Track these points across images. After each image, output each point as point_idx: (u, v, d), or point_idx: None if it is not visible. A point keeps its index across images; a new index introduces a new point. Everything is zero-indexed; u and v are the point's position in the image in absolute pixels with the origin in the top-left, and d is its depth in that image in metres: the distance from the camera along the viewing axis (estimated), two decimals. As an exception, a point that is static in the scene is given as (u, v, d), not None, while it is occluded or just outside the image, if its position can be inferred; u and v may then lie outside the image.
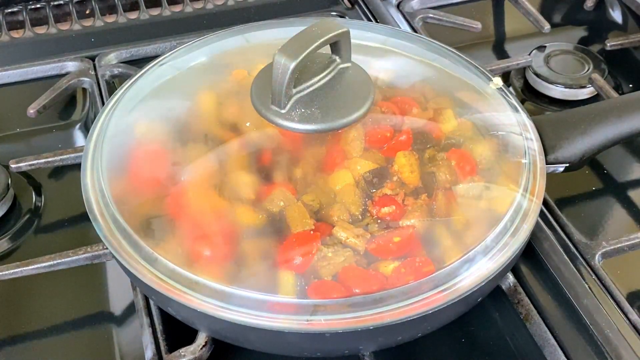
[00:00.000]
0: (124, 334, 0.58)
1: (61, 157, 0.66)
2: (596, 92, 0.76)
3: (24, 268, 0.57)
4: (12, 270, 0.57)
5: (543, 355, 0.55)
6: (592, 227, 0.64)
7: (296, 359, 0.56)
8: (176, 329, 0.54)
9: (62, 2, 0.86)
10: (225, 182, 0.55)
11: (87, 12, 0.86)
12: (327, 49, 0.56)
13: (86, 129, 0.75)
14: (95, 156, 0.57)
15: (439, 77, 0.65)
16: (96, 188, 0.55)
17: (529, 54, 0.79)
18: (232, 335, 0.52)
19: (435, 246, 0.52)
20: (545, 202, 0.63)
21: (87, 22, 0.84)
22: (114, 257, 0.53)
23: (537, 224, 0.58)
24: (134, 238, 0.52)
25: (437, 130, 0.58)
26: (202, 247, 0.52)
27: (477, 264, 0.51)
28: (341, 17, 0.85)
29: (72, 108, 0.77)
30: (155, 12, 0.86)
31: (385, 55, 0.66)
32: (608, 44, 0.81)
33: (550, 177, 0.58)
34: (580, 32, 0.89)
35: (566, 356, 0.54)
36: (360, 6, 0.86)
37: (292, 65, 0.52)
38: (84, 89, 0.77)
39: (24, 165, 0.66)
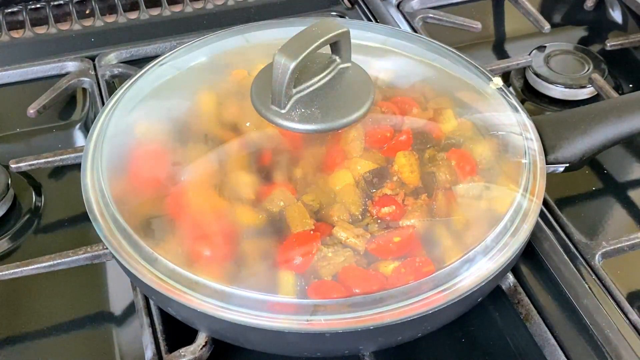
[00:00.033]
0: (124, 334, 0.58)
1: (61, 157, 0.66)
2: (596, 92, 0.76)
3: (24, 268, 0.57)
4: (12, 270, 0.57)
5: (543, 355, 0.55)
6: (592, 227, 0.64)
7: (296, 359, 0.56)
8: (176, 329, 0.54)
9: (62, 2, 0.86)
10: (225, 182, 0.55)
11: (87, 12, 0.86)
12: (327, 49, 0.56)
13: (86, 129, 0.75)
14: (95, 156, 0.57)
15: (439, 77, 0.65)
16: (96, 188, 0.55)
17: (529, 54, 0.79)
18: (232, 335, 0.52)
19: (435, 246, 0.52)
20: (545, 202, 0.63)
21: (87, 22, 0.84)
22: (114, 257, 0.53)
23: (537, 224, 0.58)
24: (134, 238, 0.52)
25: (437, 130, 0.58)
26: (202, 247, 0.52)
27: (477, 264, 0.51)
28: (341, 17, 0.85)
29: (72, 108, 0.77)
30: (155, 12, 0.86)
31: (385, 55, 0.66)
32: (608, 44, 0.81)
33: (550, 177, 0.58)
34: (580, 32, 0.89)
35: (566, 356, 0.54)
36: (360, 6, 0.86)
37: (292, 65, 0.52)
38: (84, 89, 0.77)
39: (24, 165, 0.66)
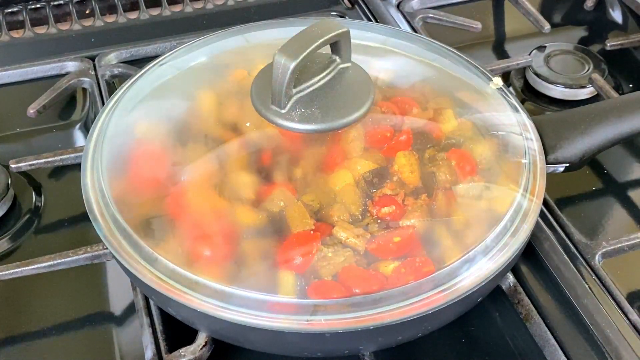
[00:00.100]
0: (124, 334, 0.58)
1: (61, 157, 0.66)
2: (596, 92, 0.76)
3: (24, 268, 0.57)
4: (12, 270, 0.57)
5: (543, 355, 0.55)
6: (592, 227, 0.64)
7: (296, 359, 0.56)
8: (176, 329, 0.54)
9: (62, 2, 0.86)
10: (225, 182, 0.55)
11: (87, 12, 0.86)
12: (327, 49, 0.56)
13: (86, 129, 0.75)
14: (95, 156, 0.57)
15: (439, 77, 0.65)
16: (96, 188, 0.55)
17: (529, 54, 0.79)
18: (232, 335, 0.52)
19: (435, 246, 0.52)
20: (545, 202, 0.63)
21: (87, 22, 0.84)
22: (114, 257, 0.53)
23: (537, 224, 0.58)
24: (134, 238, 0.52)
25: (437, 130, 0.58)
26: (202, 247, 0.52)
27: (477, 264, 0.51)
28: (341, 17, 0.85)
29: (72, 108, 0.77)
30: (155, 12, 0.86)
31: (385, 55, 0.66)
32: (608, 44, 0.81)
33: (550, 177, 0.58)
34: (580, 32, 0.89)
35: (566, 356, 0.54)
36: (360, 6, 0.86)
37: (292, 65, 0.52)
38: (84, 89, 0.77)
39: (24, 165, 0.66)
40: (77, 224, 0.65)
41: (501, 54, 0.86)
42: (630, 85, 0.80)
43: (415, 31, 0.82)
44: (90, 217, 0.54)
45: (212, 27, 0.81)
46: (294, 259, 0.50)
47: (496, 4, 0.91)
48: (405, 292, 0.49)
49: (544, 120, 0.61)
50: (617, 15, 0.89)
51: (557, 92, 0.77)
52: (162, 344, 0.54)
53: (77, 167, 0.59)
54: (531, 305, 0.57)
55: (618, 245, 0.61)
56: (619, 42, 0.82)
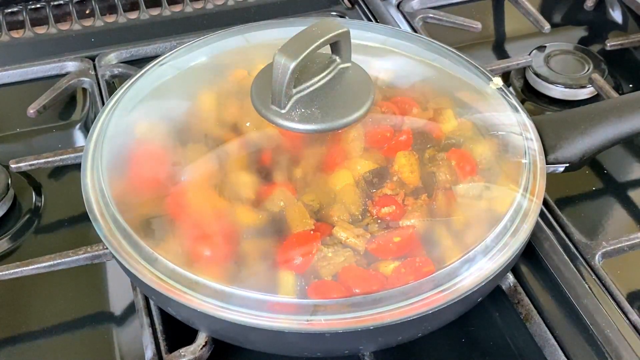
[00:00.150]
0: (124, 334, 0.58)
1: (61, 157, 0.66)
2: (596, 92, 0.76)
3: (24, 268, 0.57)
4: (12, 270, 0.57)
5: (543, 355, 0.55)
6: (592, 227, 0.64)
7: (296, 359, 0.56)
8: (176, 329, 0.54)
9: (62, 2, 0.86)
10: (225, 182, 0.55)
11: (87, 12, 0.86)
12: (327, 49, 0.56)
13: (86, 129, 0.75)
14: (95, 156, 0.57)
15: (439, 77, 0.65)
16: (96, 188, 0.55)
17: (529, 54, 0.79)
18: (232, 335, 0.52)
19: (435, 246, 0.52)
20: (545, 202, 0.63)
21: (87, 22, 0.84)
22: (114, 257, 0.53)
23: (537, 224, 0.58)
24: (134, 238, 0.52)
25: (437, 130, 0.58)
26: (202, 247, 0.52)
27: (477, 264, 0.51)
28: (341, 17, 0.85)
29: (72, 108, 0.77)
30: (155, 12, 0.86)
31: (385, 55, 0.66)
32: (608, 44, 0.81)
33: (550, 177, 0.58)
34: (580, 32, 0.89)
35: (566, 356, 0.54)
36: (360, 6, 0.86)
37: (292, 65, 0.52)
38: (84, 89, 0.77)
39: (24, 165, 0.66)
40: (77, 224, 0.65)
41: (501, 54, 0.86)
42: (630, 85, 0.80)
43: (415, 31, 0.82)
44: (90, 217, 0.54)
45: (212, 27, 0.81)
46: (294, 259, 0.50)
47: (496, 4, 0.91)
48: (405, 292, 0.49)
49: (544, 120, 0.61)
50: (617, 15, 0.89)
51: (557, 92, 0.77)
52: (162, 344, 0.54)
53: (77, 167, 0.59)
54: (531, 305, 0.57)
55: (618, 245, 0.61)
56: (619, 42, 0.82)
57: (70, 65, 0.78)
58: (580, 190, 0.68)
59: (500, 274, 0.53)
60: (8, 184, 0.66)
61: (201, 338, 0.54)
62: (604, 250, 0.60)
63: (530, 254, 0.60)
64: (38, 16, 0.85)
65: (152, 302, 0.57)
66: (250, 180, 0.54)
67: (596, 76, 0.75)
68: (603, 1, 0.90)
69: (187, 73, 0.64)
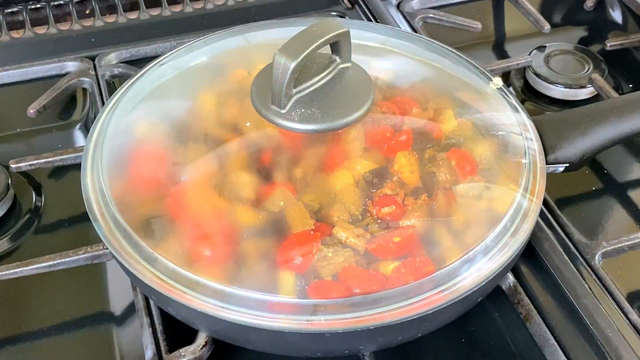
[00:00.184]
0: (124, 334, 0.58)
1: (61, 157, 0.66)
2: (596, 92, 0.76)
3: (24, 268, 0.57)
4: (12, 270, 0.57)
5: (543, 355, 0.55)
6: (592, 227, 0.64)
7: (296, 359, 0.56)
8: (176, 329, 0.54)
9: (62, 2, 0.86)
10: (225, 182, 0.55)
11: (87, 12, 0.86)
12: (327, 49, 0.56)
13: (86, 129, 0.75)
14: (95, 156, 0.57)
15: (439, 77, 0.65)
16: (96, 188, 0.55)
17: (529, 54, 0.79)
18: (232, 335, 0.52)
19: (435, 246, 0.52)
20: (545, 202, 0.63)
21: (87, 22, 0.84)
22: (114, 257, 0.53)
23: (537, 224, 0.58)
24: (134, 238, 0.52)
25: (437, 130, 0.58)
26: (202, 247, 0.52)
27: (477, 264, 0.51)
28: (341, 17, 0.85)
29: (72, 108, 0.77)
30: (155, 12, 0.86)
31: (385, 55, 0.66)
32: (608, 44, 0.81)
33: (550, 177, 0.58)
34: (580, 32, 0.89)
35: (566, 356, 0.54)
36: (360, 6, 0.86)
37: (292, 65, 0.52)
38: (84, 89, 0.77)
39: (24, 165, 0.66)
40: (77, 224, 0.65)
41: (501, 54, 0.86)
42: (630, 85, 0.80)
43: (415, 31, 0.82)
44: (90, 217, 0.54)
45: (212, 27, 0.81)
46: (294, 259, 0.50)
47: (496, 4, 0.91)
48: (405, 292, 0.49)
49: (544, 120, 0.61)
50: (617, 15, 0.89)
51: (557, 92, 0.77)
52: (162, 344, 0.54)
53: (77, 167, 0.59)
54: (531, 305, 0.57)
55: (618, 245, 0.61)
56: (619, 42, 0.82)
57: (70, 65, 0.78)
58: (580, 190, 0.68)
59: (500, 274, 0.53)
60: (8, 184, 0.66)
61: (201, 338, 0.54)
62: (604, 250, 0.60)
63: (530, 254, 0.60)
64: (38, 16, 0.85)
65: (152, 302, 0.57)
66: (250, 180, 0.54)
67: (596, 76, 0.75)
68: (603, 1, 0.90)
69: (187, 73, 0.64)
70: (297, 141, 0.56)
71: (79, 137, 0.74)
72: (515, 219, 0.53)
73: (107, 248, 0.53)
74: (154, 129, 0.59)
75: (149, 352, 0.54)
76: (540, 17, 0.83)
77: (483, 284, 0.51)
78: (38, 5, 0.85)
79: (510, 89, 0.76)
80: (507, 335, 0.57)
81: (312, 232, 0.51)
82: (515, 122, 0.59)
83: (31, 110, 0.71)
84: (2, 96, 0.77)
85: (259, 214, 0.52)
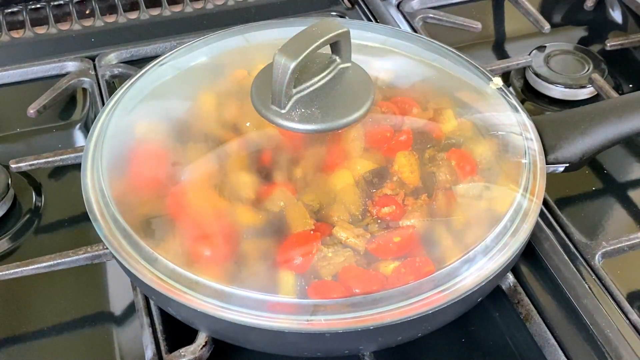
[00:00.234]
0: (124, 334, 0.58)
1: (61, 157, 0.66)
2: (596, 92, 0.76)
3: (24, 268, 0.57)
4: (12, 270, 0.57)
5: (543, 355, 0.55)
6: (592, 227, 0.64)
7: (296, 359, 0.56)
8: (176, 329, 0.54)
9: (62, 2, 0.86)
10: (225, 182, 0.55)
11: (87, 12, 0.86)
12: (327, 49, 0.56)
13: (86, 129, 0.75)
14: (95, 156, 0.57)
15: (439, 77, 0.65)
16: (96, 188, 0.55)
17: (529, 54, 0.79)
18: (232, 335, 0.52)
19: (435, 246, 0.52)
20: (545, 202, 0.63)
21: (87, 22, 0.84)
22: (114, 257, 0.53)
23: (537, 224, 0.58)
24: (134, 238, 0.52)
25: (437, 130, 0.58)
26: (202, 247, 0.52)
27: (477, 264, 0.51)
28: (341, 17, 0.85)
29: (72, 108, 0.77)
30: (155, 12, 0.86)
31: (385, 55, 0.66)
32: (608, 44, 0.81)
33: (550, 177, 0.58)
34: (580, 32, 0.89)
35: (566, 356, 0.54)
36: (360, 6, 0.86)
37: (292, 65, 0.52)
38: (84, 89, 0.77)
39: (24, 165, 0.66)
40: (77, 224, 0.65)
41: (501, 54, 0.86)
42: (630, 85, 0.80)
43: (415, 31, 0.82)
44: (90, 217, 0.54)
45: (212, 27, 0.81)
46: (294, 259, 0.50)
47: (496, 4, 0.91)
48: (405, 292, 0.49)
49: (544, 120, 0.61)
50: (617, 15, 0.89)
51: (557, 92, 0.77)
52: (162, 344, 0.54)
53: (77, 167, 0.59)
54: (531, 305, 0.57)
55: (618, 245, 0.61)
56: (619, 42, 0.82)
57: (70, 65, 0.78)
58: (580, 190, 0.68)
59: (500, 274, 0.53)
60: (8, 184, 0.66)
61: (201, 338, 0.54)
62: (604, 250, 0.60)
63: (530, 254, 0.60)
64: (38, 16, 0.85)
65: (152, 302, 0.57)
66: (250, 180, 0.54)
67: (596, 76, 0.75)
68: (603, 1, 0.90)
69: (187, 73, 0.64)
70: (297, 141, 0.56)
71: (79, 137, 0.74)
72: (515, 219, 0.53)
73: (107, 248, 0.53)
74: (154, 129, 0.59)
75: (149, 352, 0.54)
76: (540, 17, 0.83)
77: (483, 284, 0.51)
78: (38, 5, 0.85)
79: (510, 89, 0.76)
80: (507, 335, 0.57)
81: (312, 232, 0.51)
82: (515, 122, 0.59)
83: (31, 110, 0.71)
84: (2, 96, 0.77)
85: (259, 214, 0.52)
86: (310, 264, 0.50)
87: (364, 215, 0.53)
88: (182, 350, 0.53)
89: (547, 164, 0.58)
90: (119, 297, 0.60)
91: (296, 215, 0.52)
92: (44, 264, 0.57)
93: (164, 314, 0.55)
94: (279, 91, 0.53)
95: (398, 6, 0.86)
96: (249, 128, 0.57)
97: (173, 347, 0.54)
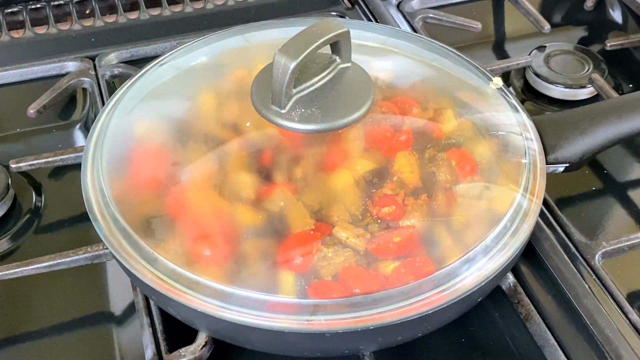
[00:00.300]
0: (124, 334, 0.58)
1: (61, 157, 0.66)
2: (596, 92, 0.76)
3: (24, 268, 0.57)
4: (12, 270, 0.57)
5: (543, 355, 0.55)
6: (592, 227, 0.64)
7: (296, 359, 0.56)
8: (176, 329, 0.54)
9: (62, 2, 0.86)
10: (225, 182, 0.55)
11: (87, 12, 0.86)
12: (327, 49, 0.56)
13: (86, 129, 0.75)
14: (95, 156, 0.57)
15: (439, 77, 0.65)
16: (96, 188, 0.55)
17: (529, 54, 0.79)
18: (232, 335, 0.52)
19: (435, 246, 0.52)
20: (545, 202, 0.63)
21: (87, 22, 0.84)
22: (114, 257, 0.53)
23: (537, 224, 0.58)
24: (134, 238, 0.52)
25: (437, 130, 0.58)
26: (202, 247, 0.52)
27: (477, 264, 0.51)
28: (341, 17, 0.85)
29: (72, 108, 0.77)
30: (155, 12, 0.86)
31: (385, 55, 0.66)
32: (608, 44, 0.81)
33: (550, 177, 0.58)
34: (580, 32, 0.89)
35: (566, 356, 0.54)
36: (360, 6, 0.86)
37: (292, 65, 0.52)
38: (84, 89, 0.77)
39: (24, 165, 0.66)
40: (77, 224, 0.65)
41: (501, 54, 0.86)
42: (630, 85, 0.80)
43: (415, 31, 0.82)
44: (90, 217, 0.54)
45: (212, 27, 0.81)
46: (294, 259, 0.50)
47: (496, 4, 0.91)
48: (405, 292, 0.49)
49: (544, 120, 0.61)
50: (617, 15, 0.89)
51: (557, 92, 0.77)
52: (162, 344, 0.54)
53: (77, 167, 0.59)
54: (531, 305, 0.57)
55: (618, 245, 0.61)
56: (619, 42, 0.82)
57: (70, 65, 0.78)
58: (580, 190, 0.68)
59: (500, 274, 0.53)
60: (8, 184, 0.66)
61: (201, 338, 0.54)
62: (604, 250, 0.60)
63: (530, 254, 0.60)
64: (38, 16, 0.85)
65: (152, 302, 0.57)
66: (250, 180, 0.54)
67: (596, 76, 0.75)
68: (603, 1, 0.90)
69: (187, 73, 0.64)
70: (297, 141, 0.56)
71: (79, 137, 0.74)
72: (515, 219, 0.53)
73: (107, 248, 0.53)
74: (154, 129, 0.59)
75: (149, 352, 0.54)
76: (540, 17, 0.83)
77: (483, 284, 0.51)
78: (38, 5, 0.85)
79: (510, 89, 0.76)
80: (507, 335, 0.57)
81: (312, 232, 0.51)
82: (515, 122, 0.59)
83: (31, 110, 0.71)
84: (2, 96, 0.77)
85: (259, 214, 0.52)
86: (310, 264, 0.50)
87: (364, 215, 0.53)
88: (182, 350, 0.53)
89: (547, 164, 0.58)
90: (119, 297, 0.60)
91: (296, 215, 0.52)
92: (44, 264, 0.57)
93: (164, 314, 0.55)
94: (279, 91, 0.53)
95: (398, 6, 0.86)
96: (249, 128, 0.57)
97: (173, 347, 0.54)
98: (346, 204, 0.53)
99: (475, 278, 0.50)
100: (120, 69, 0.77)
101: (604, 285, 0.58)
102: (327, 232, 0.51)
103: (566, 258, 0.59)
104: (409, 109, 0.59)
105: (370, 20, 0.83)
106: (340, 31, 0.55)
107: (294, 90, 0.54)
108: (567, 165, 0.60)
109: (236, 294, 0.49)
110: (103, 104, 0.71)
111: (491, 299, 0.58)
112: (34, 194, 0.68)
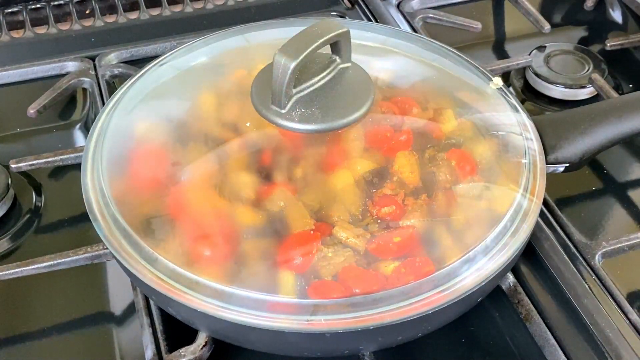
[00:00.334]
0: (124, 334, 0.58)
1: (61, 157, 0.66)
2: (596, 92, 0.76)
3: (24, 268, 0.57)
4: (12, 270, 0.57)
5: (543, 355, 0.55)
6: (592, 227, 0.64)
7: (296, 359, 0.56)
8: (176, 329, 0.54)
9: (62, 2, 0.86)
10: (225, 182, 0.55)
11: (87, 12, 0.86)
12: (327, 49, 0.56)
13: (86, 129, 0.75)
14: (95, 156, 0.57)
15: (439, 77, 0.65)
16: (96, 188, 0.55)
17: (529, 54, 0.79)
18: (232, 335, 0.52)
19: (435, 246, 0.52)
20: (545, 202, 0.63)
21: (87, 22, 0.84)
22: (114, 257, 0.53)
23: (537, 224, 0.58)
24: (134, 238, 0.52)
25: (437, 130, 0.58)
26: (202, 247, 0.52)
27: (477, 264, 0.51)
28: (341, 17, 0.85)
29: (72, 108, 0.77)
30: (155, 12, 0.86)
31: (385, 55, 0.66)
32: (608, 44, 0.81)
33: (550, 177, 0.58)
34: (580, 32, 0.89)
35: (566, 356, 0.54)
36: (360, 6, 0.86)
37: (292, 65, 0.52)
38: (84, 89, 0.77)
39: (24, 165, 0.66)
40: (77, 224, 0.65)
41: (501, 54, 0.86)
42: (630, 85, 0.80)
43: (415, 31, 0.82)
44: (90, 217, 0.54)
45: (212, 27, 0.81)
46: (294, 259, 0.50)
47: (496, 4, 0.91)
48: (405, 292, 0.49)
49: (544, 120, 0.61)
50: (617, 15, 0.89)
51: (557, 92, 0.77)
52: (162, 344, 0.54)
53: (77, 167, 0.59)
54: (531, 305, 0.57)
55: (618, 245, 0.61)
56: (619, 42, 0.82)
57: (70, 65, 0.78)
58: (580, 190, 0.68)
59: (500, 274, 0.53)
60: (8, 184, 0.66)
61: (201, 338, 0.54)
62: (604, 250, 0.60)
63: (530, 254, 0.60)
64: (38, 16, 0.85)
65: (152, 302, 0.57)
66: (250, 180, 0.54)
67: (596, 76, 0.75)
68: (603, 1, 0.90)
69: (187, 73, 0.64)
70: (297, 141, 0.56)
71: (79, 137, 0.74)
72: (515, 219, 0.53)
73: (107, 248, 0.53)
74: (154, 129, 0.59)
75: (149, 352, 0.54)
76: (540, 17, 0.83)
77: (483, 284, 0.51)
78: (38, 5, 0.85)
79: (510, 89, 0.76)
80: (507, 335, 0.57)
81: (312, 232, 0.51)
82: (515, 122, 0.59)
83: (31, 110, 0.71)
84: (2, 96, 0.77)
85: (259, 214, 0.52)
86: (310, 264, 0.50)
87: (364, 215, 0.53)
88: (182, 350, 0.53)
89: (547, 164, 0.58)
90: (119, 297, 0.60)
91: (296, 215, 0.52)
92: (44, 264, 0.57)
93: (164, 314, 0.55)
94: (279, 91, 0.53)
95: (398, 6, 0.86)
96: (249, 128, 0.57)
97: (173, 347, 0.54)
98: (346, 204, 0.53)
99: (475, 278, 0.50)
100: (120, 69, 0.77)
101: (604, 285, 0.58)
102: (327, 232, 0.51)
103: (566, 258, 0.59)
104: (409, 109, 0.59)
105: (370, 20, 0.83)
106: (340, 31, 0.55)
107: (294, 90, 0.54)
108: (567, 165, 0.60)
109: (236, 294, 0.49)
110: (103, 104, 0.71)
111: (491, 299, 0.58)
112: (34, 194, 0.68)
